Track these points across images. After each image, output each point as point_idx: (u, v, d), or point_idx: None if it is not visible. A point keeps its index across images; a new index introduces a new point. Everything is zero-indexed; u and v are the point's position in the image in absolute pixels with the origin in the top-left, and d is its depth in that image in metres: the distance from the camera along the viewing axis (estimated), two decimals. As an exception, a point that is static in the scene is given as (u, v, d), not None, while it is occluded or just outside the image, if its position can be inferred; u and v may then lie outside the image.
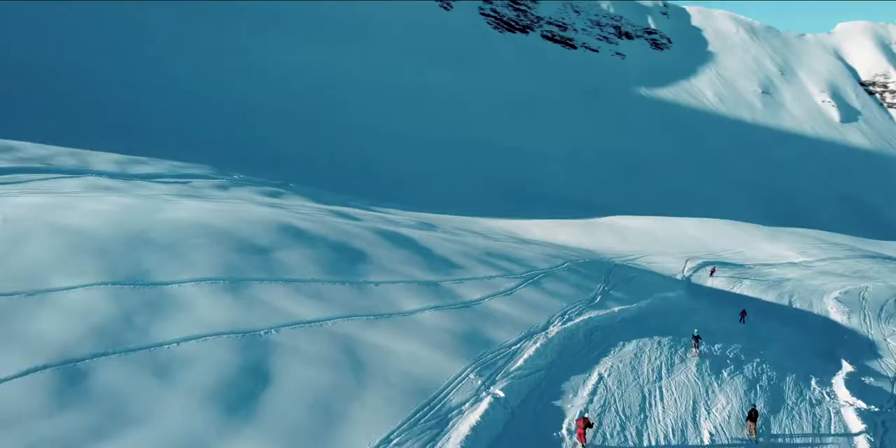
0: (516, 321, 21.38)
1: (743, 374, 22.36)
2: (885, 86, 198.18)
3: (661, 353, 22.19)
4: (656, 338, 23.70)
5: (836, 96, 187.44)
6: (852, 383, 23.72)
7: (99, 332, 14.97)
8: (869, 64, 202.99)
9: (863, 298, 48.86)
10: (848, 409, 20.87)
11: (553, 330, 21.21)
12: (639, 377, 20.02)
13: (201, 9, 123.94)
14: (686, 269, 48.88)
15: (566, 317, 22.89)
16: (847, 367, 26.65)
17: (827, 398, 21.82)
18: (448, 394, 16.25)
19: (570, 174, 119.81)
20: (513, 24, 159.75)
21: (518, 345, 19.75)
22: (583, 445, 16.18)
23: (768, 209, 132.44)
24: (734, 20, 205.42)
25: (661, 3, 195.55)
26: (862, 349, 33.21)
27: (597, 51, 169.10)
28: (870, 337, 37.38)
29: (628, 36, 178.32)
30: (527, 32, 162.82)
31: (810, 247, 65.66)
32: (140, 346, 14.86)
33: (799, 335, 34.64)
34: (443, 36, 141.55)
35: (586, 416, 16.54)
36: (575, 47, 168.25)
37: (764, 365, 23.92)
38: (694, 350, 23.42)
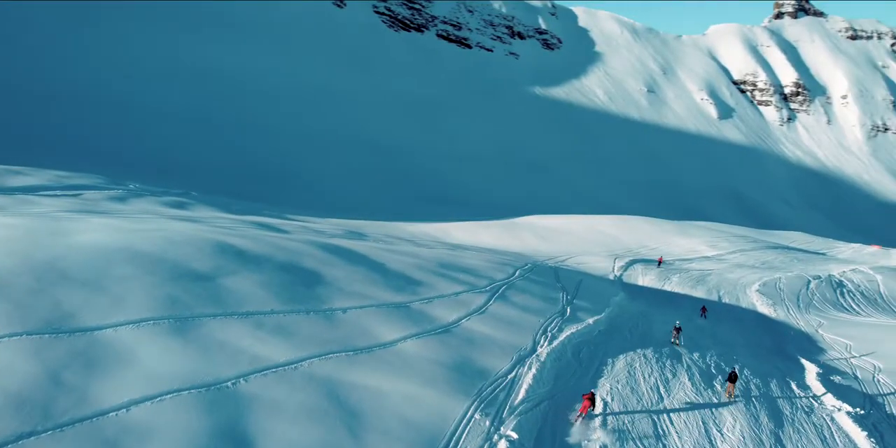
0: (501, 344, 19.25)
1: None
2: (754, 84, 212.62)
3: (651, 369, 20.78)
4: (639, 350, 22.36)
5: (713, 94, 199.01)
6: (828, 384, 23.43)
7: (19, 402, 11.41)
8: (740, 64, 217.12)
9: (780, 289, 50.62)
10: (840, 414, 20.32)
11: (542, 351, 19.25)
12: (641, 399, 18.46)
13: (90, 8, 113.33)
14: (616, 268, 48.73)
15: (549, 335, 21.00)
16: (810, 366, 26.56)
17: (815, 404, 21.24)
18: (459, 441, 13.88)
19: (473, 174, 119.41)
20: (408, 22, 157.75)
21: (513, 372, 17.62)
22: (581, 416, 16.47)
23: (662, 204, 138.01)
24: (618, 21, 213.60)
25: (549, 4, 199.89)
26: (805, 344, 33.73)
27: (491, 50, 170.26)
28: (803, 329, 38.27)
29: (521, 36, 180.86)
30: (422, 31, 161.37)
31: (719, 240, 68.04)
32: (78, 418, 11.47)
33: (744, 333, 34.77)
34: (338, 35, 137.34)
35: (593, 391, 17.26)
36: (470, 47, 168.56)
37: (745, 371, 23.16)
38: (675, 340, 25.56)
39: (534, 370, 17.82)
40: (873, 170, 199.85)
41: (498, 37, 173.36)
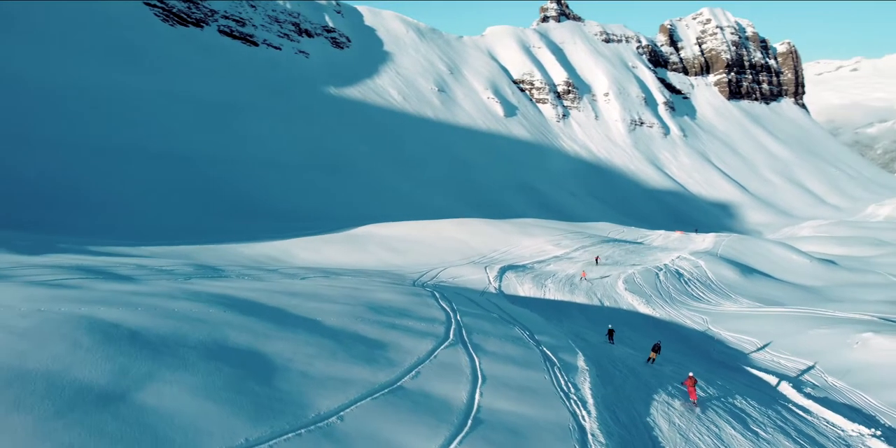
0: (543, 424, 14.34)
1: (722, 414, 18.68)
2: (531, 83, 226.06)
3: (690, 422, 17.30)
4: (656, 395, 18.84)
5: (498, 93, 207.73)
6: (822, 402, 21.94)
7: None
8: (517, 64, 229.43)
9: (640, 285, 51.25)
10: (872, 441, 18.58)
11: (593, 427, 14.79)
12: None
13: None
14: (492, 279, 45.68)
15: (574, 398, 16.54)
16: (768, 377, 25.30)
17: (837, 431, 19.32)
18: None
19: (277, 182, 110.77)
20: (184, 16, 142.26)
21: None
22: (694, 402, 18.30)
23: (471, 202, 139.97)
24: (402, 21, 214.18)
25: (334, 3, 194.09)
26: (720, 346, 33.19)
27: (279, 48, 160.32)
28: (696, 328, 38.16)
29: (309, 34, 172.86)
30: (201, 27, 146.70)
31: (559, 237, 68.46)
32: None
33: (654, 340, 33.36)
34: (109, 30, 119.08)
35: (690, 374, 19.14)
36: (256, 44, 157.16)
37: (725, 398, 20.69)
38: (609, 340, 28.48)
39: (607, 460, 13.31)
40: (636, 160, 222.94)
41: (285, 34, 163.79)
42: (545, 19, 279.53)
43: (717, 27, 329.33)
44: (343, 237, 60.04)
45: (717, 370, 27.03)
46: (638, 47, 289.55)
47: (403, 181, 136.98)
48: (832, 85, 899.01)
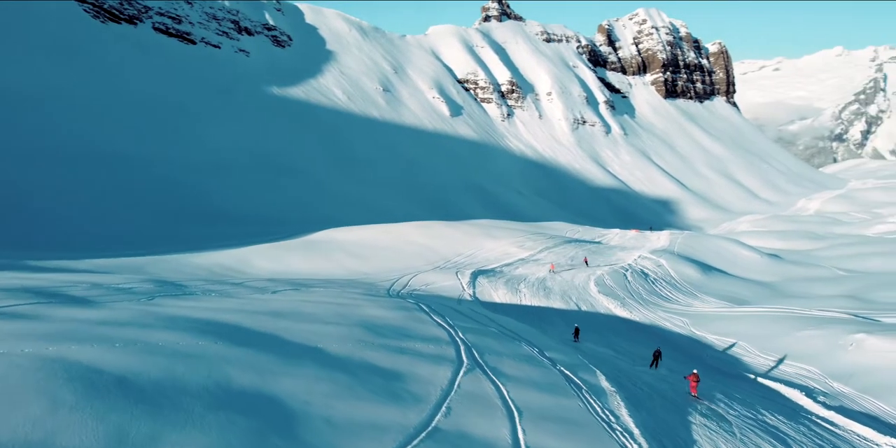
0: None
1: (760, 434, 17.56)
2: (476, 83, 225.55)
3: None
4: (687, 413, 17.52)
5: (443, 93, 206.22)
6: (842, 411, 21.14)
7: None
8: (461, 64, 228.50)
9: (611, 286, 50.57)
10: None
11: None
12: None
13: None
14: (465, 284, 44.01)
15: (618, 428, 15.00)
16: (776, 385, 24.48)
17: (870, 445, 18.46)
18: None
19: (225, 184, 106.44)
20: (117, 13, 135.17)
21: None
22: (695, 396, 19.62)
23: (423, 203, 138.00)
24: (344, 19, 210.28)
25: (274, 0, 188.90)
26: (711, 351, 32.44)
27: (219, 47, 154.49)
28: (679, 332, 37.45)
29: (248, 32, 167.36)
30: (135, 24, 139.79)
31: (522, 239, 67.36)
32: None
33: (647, 347, 32.36)
34: (39, 27, 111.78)
35: (694, 371, 20.56)
36: (194, 43, 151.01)
37: (755, 415, 19.63)
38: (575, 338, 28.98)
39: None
40: (581, 158, 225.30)
41: (224, 32, 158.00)
42: (487, 19, 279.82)
43: (652, 27, 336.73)
44: (302, 243, 57.33)
45: (720, 378, 26.10)
46: (578, 47, 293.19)
47: (352, 182, 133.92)
48: (756, 84, 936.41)
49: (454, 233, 65.75)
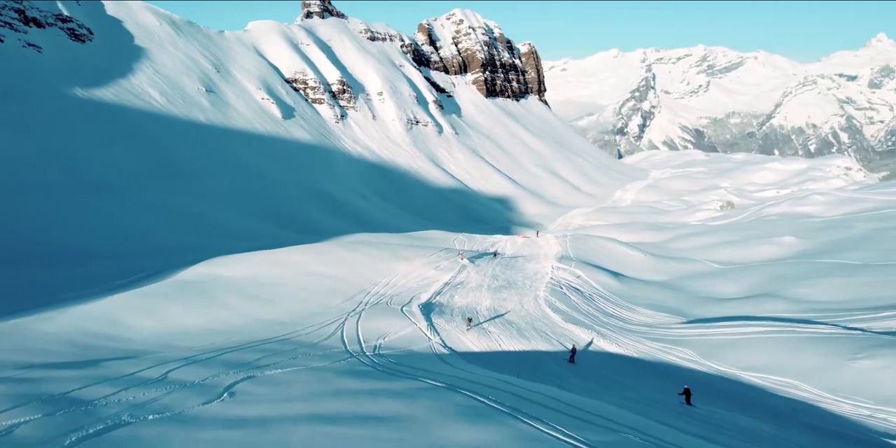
0: None
1: None
2: (305, 83, 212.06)
3: None
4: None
5: (272, 94, 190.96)
6: None
7: None
8: (288, 62, 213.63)
9: (567, 312, 44.99)
10: None
11: None
12: None
13: None
14: (425, 330, 35.74)
15: None
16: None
17: None
18: None
19: (41, 210, 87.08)
20: None
21: None
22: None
23: (272, 217, 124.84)
24: (153, 12, 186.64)
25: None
26: (796, 405, 27.36)
27: (2, 40, 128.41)
28: (698, 368, 32.42)
29: (38, 23, 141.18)
30: None
31: (429, 258, 59.66)
32: None
33: (646, 381, 26.70)
34: None
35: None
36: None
37: None
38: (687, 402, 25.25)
39: None
40: (418, 159, 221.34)
41: (7, 23, 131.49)
42: (309, 15, 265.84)
43: (469, 28, 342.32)
44: (177, 287, 44.99)
45: (835, 444, 20.95)
46: (402, 46, 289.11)
47: (181, 196, 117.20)
48: (548, 83, 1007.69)
49: (354, 256, 56.43)
